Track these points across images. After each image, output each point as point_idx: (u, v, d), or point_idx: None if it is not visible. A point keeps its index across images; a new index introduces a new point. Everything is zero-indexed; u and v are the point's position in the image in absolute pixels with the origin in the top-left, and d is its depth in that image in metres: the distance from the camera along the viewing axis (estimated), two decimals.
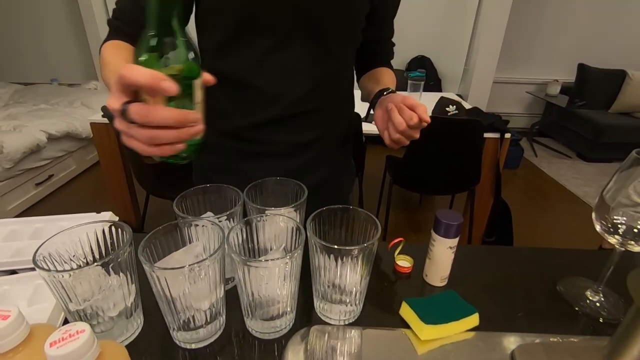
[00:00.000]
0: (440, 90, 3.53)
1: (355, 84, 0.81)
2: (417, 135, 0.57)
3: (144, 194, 1.91)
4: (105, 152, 1.82)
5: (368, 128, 1.73)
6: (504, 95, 3.90)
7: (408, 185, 1.82)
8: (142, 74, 0.32)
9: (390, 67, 0.81)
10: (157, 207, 1.99)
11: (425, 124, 0.55)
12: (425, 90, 2.15)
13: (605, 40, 3.70)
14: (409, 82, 1.94)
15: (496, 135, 1.69)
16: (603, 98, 3.44)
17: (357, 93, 0.79)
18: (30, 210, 2.30)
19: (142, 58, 0.34)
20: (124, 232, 0.43)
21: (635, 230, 0.46)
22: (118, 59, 0.51)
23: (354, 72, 0.77)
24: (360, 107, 0.87)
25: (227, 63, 0.60)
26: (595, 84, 3.46)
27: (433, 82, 3.44)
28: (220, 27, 0.58)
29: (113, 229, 0.44)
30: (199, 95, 0.38)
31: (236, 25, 0.57)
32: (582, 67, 3.50)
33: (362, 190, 2.05)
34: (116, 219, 0.60)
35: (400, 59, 3.48)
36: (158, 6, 0.33)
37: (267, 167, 0.64)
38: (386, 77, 0.74)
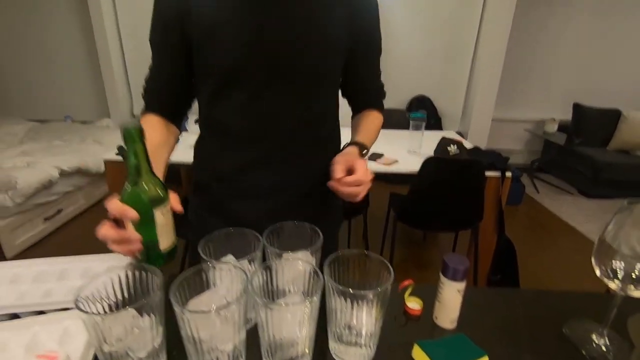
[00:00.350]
0: (440, 128, 3.64)
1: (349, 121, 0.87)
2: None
3: None
4: (116, 189, 1.86)
5: (372, 166, 1.78)
6: (503, 132, 4.01)
7: (412, 222, 1.84)
8: (113, 207, 0.48)
9: (380, 106, 0.85)
10: None
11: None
12: (426, 128, 2.24)
13: (598, 81, 3.86)
14: (411, 122, 2.02)
15: (497, 174, 1.74)
16: (600, 136, 3.53)
17: (347, 131, 0.82)
18: (39, 245, 2.32)
19: (125, 188, 0.50)
20: (154, 276, 0.46)
21: (634, 276, 0.49)
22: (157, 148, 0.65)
23: (337, 111, 0.80)
24: None
25: (215, 111, 0.68)
26: (592, 123, 3.56)
27: (434, 121, 3.55)
28: (208, 82, 0.67)
29: (144, 272, 0.47)
30: (160, 218, 0.50)
31: (219, 79, 0.65)
32: (577, 107, 3.63)
33: (367, 225, 2.07)
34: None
35: (401, 99, 3.62)
36: (132, 167, 0.49)
37: (253, 207, 0.70)
38: (365, 125, 0.79)
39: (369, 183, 0.65)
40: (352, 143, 0.74)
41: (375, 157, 1.92)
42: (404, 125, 2.72)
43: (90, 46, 3.48)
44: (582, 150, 3.43)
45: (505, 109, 3.89)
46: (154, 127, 0.68)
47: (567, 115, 3.74)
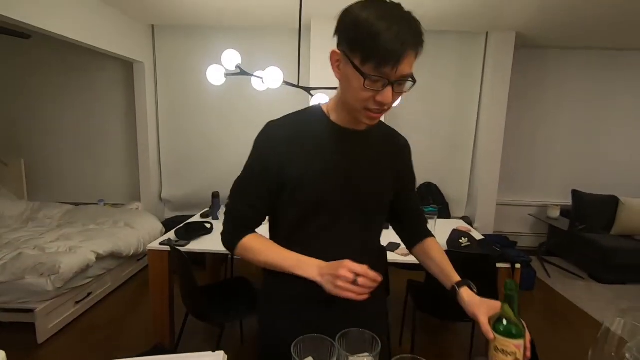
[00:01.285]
0: (448, 213, 3.85)
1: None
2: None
3: (181, 316, 2.05)
4: (157, 275, 2.03)
5: (391, 256, 1.95)
6: (509, 216, 4.20)
7: (431, 311, 1.94)
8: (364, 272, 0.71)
9: (429, 231, 1.03)
10: (190, 328, 2.09)
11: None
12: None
13: (592, 168, 4.16)
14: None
15: (507, 265, 1.89)
16: (601, 221, 3.71)
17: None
18: (68, 328, 2.39)
19: (501, 321, 0.71)
20: None
21: None
22: (272, 244, 0.87)
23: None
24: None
25: (295, 236, 0.86)
26: (592, 208, 3.76)
27: (441, 206, 3.78)
28: (291, 212, 0.85)
29: None
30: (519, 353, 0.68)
31: (301, 211, 0.83)
32: (576, 193, 3.86)
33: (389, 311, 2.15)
34: (225, 358, 0.78)
35: None
36: (511, 309, 0.69)
37: (320, 314, 0.85)
38: (443, 260, 0.96)
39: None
40: (461, 284, 0.92)
41: (393, 247, 2.09)
42: None
43: (130, 138, 3.93)
44: (586, 235, 3.57)
45: (508, 193, 4.14)
46: (257, 236, 0.89)
47: (568, 200, 3.97)
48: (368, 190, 0.87)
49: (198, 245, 2.06)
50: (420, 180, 3.92)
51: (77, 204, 3.75)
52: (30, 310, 2.23)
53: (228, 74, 2.31)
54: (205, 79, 2.27)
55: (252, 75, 2.11)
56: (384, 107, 0.73)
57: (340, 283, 0.71)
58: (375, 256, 0.96)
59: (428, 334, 2.52)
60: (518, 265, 1.88)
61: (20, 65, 3.87)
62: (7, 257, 2.38)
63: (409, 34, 0.66)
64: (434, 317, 2.05)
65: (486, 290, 1.85)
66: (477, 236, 2.23)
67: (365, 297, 0.72)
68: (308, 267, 0.79)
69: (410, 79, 0.71)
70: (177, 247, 1.87)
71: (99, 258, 2.67)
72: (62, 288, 2.35)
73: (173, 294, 2.13)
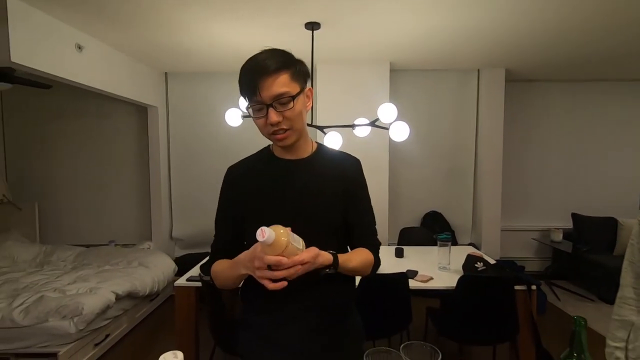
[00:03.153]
0: (455, 240, 3.94)
1: None
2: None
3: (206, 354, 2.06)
4: (182, 311, 2.07)
5: (412, 284, 2.02)
6: (512, 242, 4.29)
7: (455, 336, 1.99)
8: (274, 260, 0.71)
9: (370, 245, 1.01)
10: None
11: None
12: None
13: (590, 191, 4.32)
14: (438, 242, 2.34)
15: (523, 287, 1.97)
16: (603, 242, 3.82)
17: None
18: None
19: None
20: None
21: None
22: (228, 261, 0.91)
23: None
24: None
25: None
26: (592, 231, 3.89)
27: (449, 234, 3.88)
28: (249, 241, 0.89)
29: None
30: None
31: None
32: (576, 216, 4.00)
33: (410, 337, 2.19)
34: None
35: (415, 214, 4.02)
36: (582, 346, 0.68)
37: (296, 334, 0.92)
38: (354, 252, 0.97)
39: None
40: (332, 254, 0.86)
41: (412, 274, 2.17)
42: (429, 242, 3.03)
43: (142, 179, 4.04)
44: (590, 257, 3.67)
45: (510, 219, 4.26)
46: (222, 260, 0.95)
47: (567, 222, 4.10)
48: (317, 213, 0.91)
49: None
50: (425, 209, 4.04)
51: (87, 246, 3.78)
52: (53, 355, 2.22)
53: (245, 116, 2.49)
54: (215, 121, 2.45)
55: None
56: (280, 127, 0.85)
57: (258, 273, 0.75)
58: (338, 281, 0.93)
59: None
60: (534, 287, 1.97)
61: (37, 112, 4.04)
62: (29, 301, 2.40)
63: (262, 65, 0.82)
64: (460, 343, 2.09)
65: (506, 312, 1.93)
66: (490, 260, 2.32)
67: (280, 284, 0.73)
68: (239, 264, 0.83)
69: (288, 97, 0.83)
70: (209, 282, 1.93)
71: (117, 299, 2.69)
72: (84, 330, 2.35)
73: (198, 330, 2.15)
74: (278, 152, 0.98)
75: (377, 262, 1.02)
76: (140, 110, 3.98)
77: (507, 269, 2.10)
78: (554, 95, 4.26)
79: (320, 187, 0.95)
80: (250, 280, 0.89)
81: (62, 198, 4.10)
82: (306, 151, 0.98)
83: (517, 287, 1.93)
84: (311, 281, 0.84)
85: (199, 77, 3.89)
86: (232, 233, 0.99)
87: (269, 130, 0.87)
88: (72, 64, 2.62)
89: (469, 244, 3.82)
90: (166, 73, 3.92)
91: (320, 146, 1.02)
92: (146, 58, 3.39)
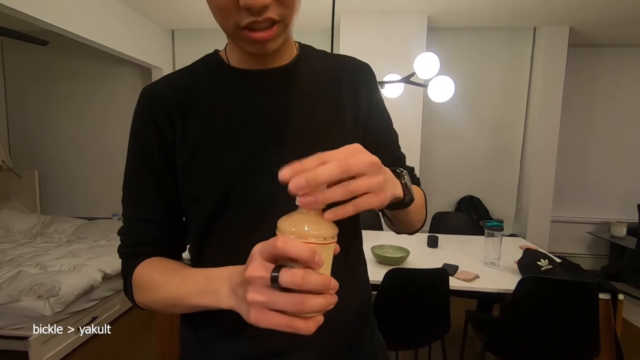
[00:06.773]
0: None
1: None
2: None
3: None
4: None
5: (454, 283, 1.56)
6: (562, 234, 3.70)
7: (507, 353, 1.53)
8: (302, 249, 0.33)
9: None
10: None
11: None
12: (476, 230, 2.05)
13: None
14: (486, 231, 1.85)
15: (607, 296, 1.47)
16: None
17: None
18: (68, 358, 2.09)
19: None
20: None
21: None
22: (178, 267, 0.52)
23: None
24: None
25: (207, 247, 0.57)
26: None
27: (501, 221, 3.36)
28: (198, 209, 0.55)
29: None
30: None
31: (212, 203, 0.54)
32: None
33: (446, 350, 1.74)
34: None
35: (450, 198, 3.50)
36: None
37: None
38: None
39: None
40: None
41: (451, 269, 1.70)
42: (459, 228, 2.54)
43: None
44: None
45: (560, 209, 3.66)
46: (153, 262, 0.55)
47: (630, 215, 3.47)
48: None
49: None
50: (461, 193, 3.52)
51: (90, 219, 3.53)
52: (25, 338, 1.94)
53: None
54: None
55: None
56: (260, 16, 0.45)
57: (250, 296, 0.35)
58: (353, 265, 0.61)
59: None
60: (621, 297, 1.46)
61: (36, 73, 3.76)
62: (5, 276, 2.12)
63: None
64: None
65: (587, 327, 1.44)
66: (556, 259, 1.82)
67: (315, 322, 0.35)
68: (218, 283, 0.43)
69: None
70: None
71: (107, 278, 2.39)
72: (62, 312, 2.05)
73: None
74: (237, 60, 0.56)
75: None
76: (145, 73, 3.62)
77: (582, 270, 1.59)
78: (626, 65, 3.55)
79: (314, 107, 0.56)
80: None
81: (64, 166, 3.84)
82: (287, 56, 0.57)
83: (602, 297, 1.43)
84: None
85: (208, 35, 3.46)
86: (164, 207, 0.57)
87: (241, 20, 0.46)
88: (71, 14, 2.34)
89: (510, 235, 3.29)
90: (173, 31, 3.52)
91: (304, 46, 0.62)
92: (152, 12, 3.02)
